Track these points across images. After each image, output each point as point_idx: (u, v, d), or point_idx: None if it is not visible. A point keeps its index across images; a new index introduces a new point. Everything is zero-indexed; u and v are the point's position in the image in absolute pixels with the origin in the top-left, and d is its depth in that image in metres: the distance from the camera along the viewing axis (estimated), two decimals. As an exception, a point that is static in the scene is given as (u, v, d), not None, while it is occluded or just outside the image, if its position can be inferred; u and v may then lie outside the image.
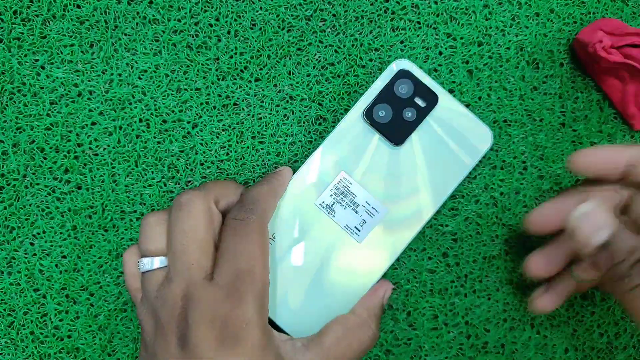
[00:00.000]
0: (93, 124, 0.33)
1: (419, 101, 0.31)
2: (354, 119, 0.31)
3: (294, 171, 0.31)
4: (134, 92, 0.33)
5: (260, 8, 0.33)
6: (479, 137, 0.31)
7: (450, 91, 0.33)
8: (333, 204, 0.31)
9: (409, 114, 0.31)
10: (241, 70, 0.33)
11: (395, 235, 0.31)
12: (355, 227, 0.31)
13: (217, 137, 0.33)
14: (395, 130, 0.31)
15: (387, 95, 0.31)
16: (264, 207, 0.29)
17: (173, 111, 0.33)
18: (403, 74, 0.31)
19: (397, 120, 0.31)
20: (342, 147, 0.31)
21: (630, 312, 0.25)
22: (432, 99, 0.31)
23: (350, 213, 0.31)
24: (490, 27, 0.34)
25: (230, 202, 0.30)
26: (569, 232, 0.25)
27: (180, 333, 0.26)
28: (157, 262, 0.28)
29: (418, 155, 0.31)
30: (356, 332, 0.30)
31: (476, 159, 0.31)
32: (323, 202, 0.31)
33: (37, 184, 0.33)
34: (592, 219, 0.25)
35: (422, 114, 0.31)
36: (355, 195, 0.31)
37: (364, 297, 0.31)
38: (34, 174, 0.33)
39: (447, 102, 0.31)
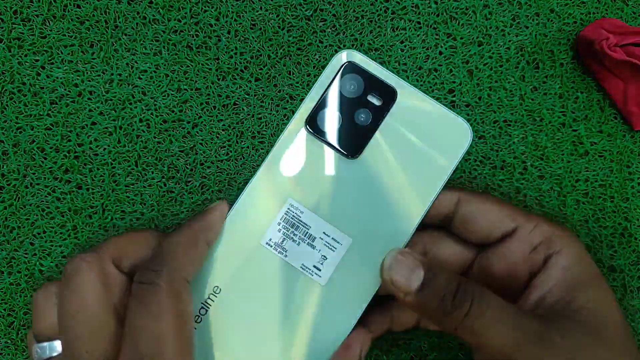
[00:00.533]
0: (93, 124, 0.33)
1: (373, 99, 0.26)
2: (296, 132, 0.26)
3: (232, 204, 0.26)
4: (134, 92, 0.33)
5: (260, 8, 0.33)
6: (455, 133, 0.26)
7: (450, 91, 0.33)
8: (283, 241, 0.25)
9: (362, 117, 0.26)
10: (241, 70, 0.33)
11: (366, 270, 0.26)
12: (314, 265, 0.25)
13: (217, 137, 0.33)
14: (348, 140, 0.25)
15: (332, 97, 0.26)
16: (179, 263, 0.23)
17: (173, 111, 0.33)
18: (350, 69, 0.26)
19: (348, 127, 0.26)
20: (285, 168, 0.26)
21: (471, 343, 0.24)
22: (389, 95, 0.26)
23: (305, 249, 0.25)
24: (490, 27, 0.34)
25: (140, 259, 0.25)
26: (386, 285, 0.24)
27: None
28: (56, 347, 0.24)
29: (381, 167, 0.25)
30: None
31: (455, 160, 0.26)
32: (270, 239, 0.25)
33: (37, 184, 0.33)
34: (403, 263, 0.24)
35: (378, 114, 0.25)
36: (310, 227, 0.25)
37: (335, 355, 0.26)
38: (34, 174, 0.33)
39: (409, 97, 0.26)
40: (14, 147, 0.33)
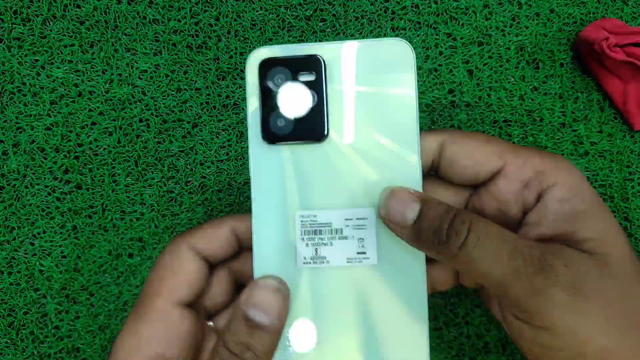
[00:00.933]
0: (93, 124, 0.33)
1: (306, 77, 0.25)
2: (259, 151, 0.25)
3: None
4: (134, 92, 0.33)
5: (260, 8, 0.33)
6: (397, 55, 0.25)
7: (450, 91, 0.33)
8: (316, 250, 0.25)
9: (306, 100, 0.25)
10: (241, 70, 0.33)
11: None
12: (357, 252, 0.25)
13: (217, 137, 0.33)
14: (308, 127, 0.25)
15: (269, 100, 0.25)
16: (164, 285, 0.25)
17: (173, 111, 0.33)
18: (267, 65, 0.25)
19: (300, 116, 0.25)
20: (273, 188, 0.25)
21: (470, 275, 0.23)
22: (315, 64, 0.25)
23: (340, 244, 0.25)
24: (490, 27, 0.34)
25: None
26: (383, 220, 0.24)
27: None
28: None
29: (353, 131, 0.25)
30: None
31: (412, 80, 0.25)
32: (304, 257, 0.25)
33: (37, 184, 0.33)
34: (398, 198, 0.24)
35: (318, 87, 0.25)
36: (330, 223, 0.25)
37: None
38: (34, 174, 0.33)
39: (335, 53, 0.25)
40: (14, 147, 0.33)
